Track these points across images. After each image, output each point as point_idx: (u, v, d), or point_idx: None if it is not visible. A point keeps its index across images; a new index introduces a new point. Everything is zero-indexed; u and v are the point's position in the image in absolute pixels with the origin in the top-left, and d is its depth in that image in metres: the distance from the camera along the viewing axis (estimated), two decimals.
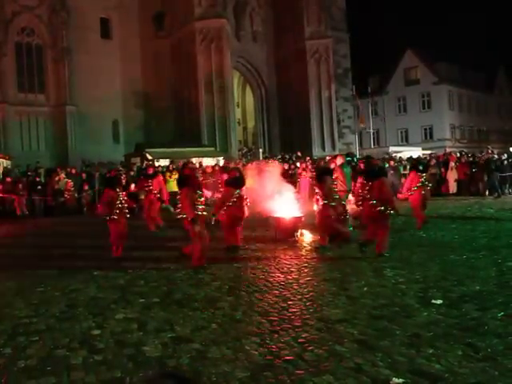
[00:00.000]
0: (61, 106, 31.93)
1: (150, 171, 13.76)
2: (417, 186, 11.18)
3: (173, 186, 20.64)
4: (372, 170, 8.84)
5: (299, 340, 4.38)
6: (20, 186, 19.14)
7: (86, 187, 20.15)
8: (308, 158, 26.06)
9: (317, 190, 9.28)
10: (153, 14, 35.49)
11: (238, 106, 40.84)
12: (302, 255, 8.66)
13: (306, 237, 10.60)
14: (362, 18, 75.34)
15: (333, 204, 9.01)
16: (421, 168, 11.62)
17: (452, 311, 5.06)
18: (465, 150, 28.25)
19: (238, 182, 9.68)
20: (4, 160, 24.23)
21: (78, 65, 31.96)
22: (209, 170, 20.51)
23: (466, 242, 9.25)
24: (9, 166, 23.82)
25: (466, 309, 5.12)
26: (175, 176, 20.89)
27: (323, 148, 36.96)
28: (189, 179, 8.30)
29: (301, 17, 37.80)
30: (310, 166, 19.67)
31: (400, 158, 26.12)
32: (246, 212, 9.61)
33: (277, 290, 6.26)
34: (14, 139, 30.59)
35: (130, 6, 34.64)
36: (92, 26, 33.55)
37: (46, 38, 32.09)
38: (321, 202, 9.03)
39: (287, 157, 27.66)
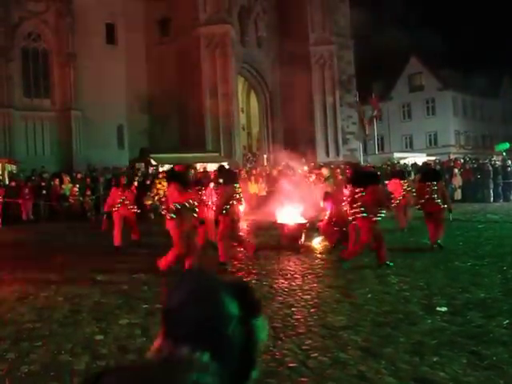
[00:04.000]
0: (66, 110, 32.06)
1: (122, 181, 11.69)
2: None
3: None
4: None
5: (303, 347, 4.36)
6: (26, 190, 19.23)
7: (89, 192, 20.20)
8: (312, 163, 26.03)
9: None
10: (158, 19, 35.67)
11: (242, 111, 40.90)
12: (306, 262, 8.64)
13: (311, 243, 10.57)
14: (367, 24, 75.42)
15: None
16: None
17: (456, 319, 5.04)
18: (469, 156, 28.22)
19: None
20: (9, 164, 24.34)
21: (84, 70, 32.10)
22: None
23: (470, 249, 9.22)
24: (14, 171, 23.93)
25: (470, 316, 5.10)
26: None
27: (327, 154, 36.98)
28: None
29: (305, 23, 37.89)
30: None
31: (404, 164, 26.11)
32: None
33: (280, 296, 6.25)
34: (19, 144, 30.71)
35: (135, 12, 34.80)
36: (97, 31, 33.71)
37: (51, 44, 32.27)
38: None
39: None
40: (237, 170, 17.29)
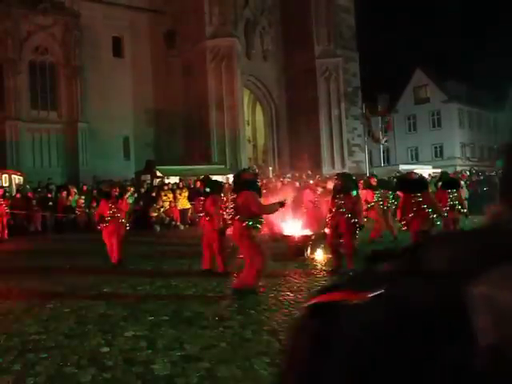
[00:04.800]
0: (73, 123, 32.28)
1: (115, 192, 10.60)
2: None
3: (183, 203, 20.81)
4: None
5: None
6: (34, 202, 19.34)
7: (95, 204, 20.25)
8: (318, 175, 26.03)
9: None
10: (164, 32, 36.00)
11: (248, 123, 41.05)
12: (312, 274, 8.61)
13: (316, 255, 10.54)
14: (372, 36, 75.83)
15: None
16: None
17: None
18: (475, 169, 28.14)
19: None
20: (16, 176, 24.48)
21: (90, 83, 32.40)
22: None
23: None
24: (21, 182, 24.06)
25: None
26: (185, 193, 21.00)
27: (333, 166, 36.98)
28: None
29: (310, 36, 38.14)
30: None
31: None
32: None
33: (286, 308, 6.22)
34: (26, 156, 30.93)
35: (141, 25, 35.19)
36: (104, 44, 34.08)
37: (59, 57, 32.58)
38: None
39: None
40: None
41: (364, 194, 12.31)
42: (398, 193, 9.99)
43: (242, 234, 6.86)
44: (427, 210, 8.45)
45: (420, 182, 9.18)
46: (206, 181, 9.36)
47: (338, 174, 9.56)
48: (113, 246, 10.00)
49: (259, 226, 6.98)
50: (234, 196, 7.16)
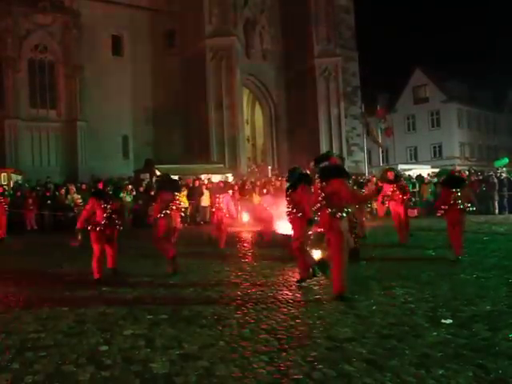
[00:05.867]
0: (71, 121, 32.29)
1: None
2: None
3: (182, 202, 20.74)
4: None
5: (307, 359, 4.34)
6: (30, 200, 19.31)
7: None
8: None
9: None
10: (164, 31, 36.00)
11: (247, 123, 41.06)
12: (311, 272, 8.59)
13: (315, 254, 10.51)
14: (372, 36, 75.92)
15: None
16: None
17: (462, 331, 5.00)
18: (474, 168, 28.15)
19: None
20: (14, 175, 24.46)
21: (90, 81, 32.39)
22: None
23: (476, 261, 9.18)
24: (19, 181, 24.05)
25: (476, 329, 5.06)
26: (184, 192, 20.96)
27: None
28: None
29: (310, 35, 38.15)
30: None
31: (409, 175, 26.07)
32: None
33: (285, 307, 6.22)
34: (24, 154, 30.93)
35: (141, 24, 35.17)
36: (104, 43, 34.07)
37: (58, 55, 32.58)
38: None
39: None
40: (223, 183, 17.00)
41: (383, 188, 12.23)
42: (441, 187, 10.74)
43: (332, 227, 6.30)
44: (463, 204, 9.65)
45: (462, 180, 10.60)
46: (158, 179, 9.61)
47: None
48: (105, 252, 8.86)
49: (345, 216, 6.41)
50: (323, 184, 6.47)
